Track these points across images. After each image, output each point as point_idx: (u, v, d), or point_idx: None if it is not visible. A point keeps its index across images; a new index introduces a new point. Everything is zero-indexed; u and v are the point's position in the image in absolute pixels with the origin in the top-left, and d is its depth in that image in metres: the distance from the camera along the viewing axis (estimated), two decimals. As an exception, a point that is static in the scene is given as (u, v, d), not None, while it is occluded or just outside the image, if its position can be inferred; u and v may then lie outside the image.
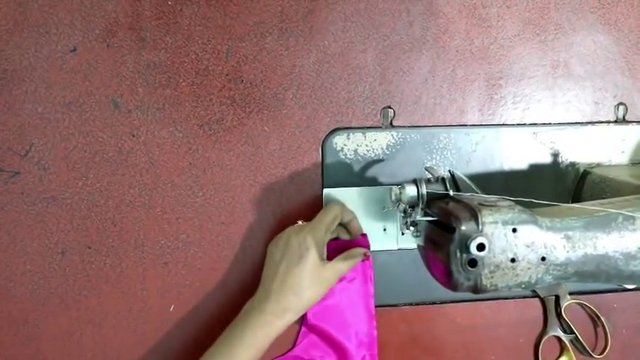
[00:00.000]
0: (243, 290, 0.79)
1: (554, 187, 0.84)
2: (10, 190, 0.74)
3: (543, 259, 0.57)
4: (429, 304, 0.83)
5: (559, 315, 0.84)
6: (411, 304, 0.82)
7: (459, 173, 0.72)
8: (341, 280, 0.76)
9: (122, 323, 0.78)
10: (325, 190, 0.79)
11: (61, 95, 0.74)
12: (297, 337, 0.79)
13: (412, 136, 0.81)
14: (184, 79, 0.76)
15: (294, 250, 0.70)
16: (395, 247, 0.81)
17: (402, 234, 0.74)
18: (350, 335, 0.78)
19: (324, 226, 0.72)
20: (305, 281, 0.69)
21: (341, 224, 0.77)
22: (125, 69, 0.75)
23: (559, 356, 0.86)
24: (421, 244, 0.69)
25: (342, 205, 0.76)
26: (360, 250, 0.76)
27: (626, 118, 0.85)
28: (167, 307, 0.78)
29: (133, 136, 0.76)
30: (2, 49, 0.73)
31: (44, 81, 0.74)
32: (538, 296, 0.84)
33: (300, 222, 0.75)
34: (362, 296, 0.78)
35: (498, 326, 0.85)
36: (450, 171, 0.74)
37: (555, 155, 0.84)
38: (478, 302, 0.84)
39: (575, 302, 0.84)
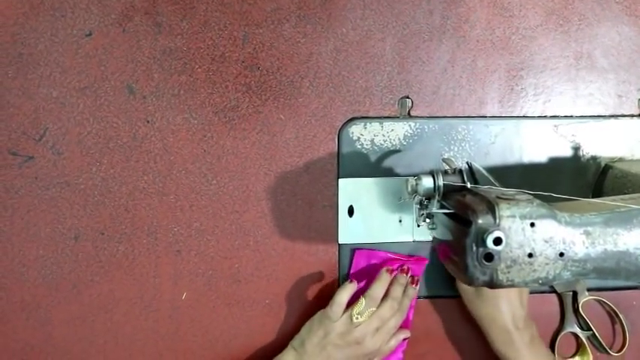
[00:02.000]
0: (256, 280, 0.79)
1: (575, 182, 0.82)
2: (24, 174, 0.74)
3: (562, 254, 0.56)
4: (445, 297, 0.82)
5: (576, 311, 0.83)
6: (426, 297, 0.82)
7: (477, 165, 0.71)
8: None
9: (134, 310, 0.77)
10: (340, 180, 0.78)
11: (76, 80, 0.74)
12: None
13: (430, 126, 0.80)
14: (200, 65, 0.76)
15: (353, 349, 0.74)
16: (410, 239, 0.80)
17: (418, 226, 0.73)
18: None
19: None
20: None
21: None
22: (141, 54, 0.75)
23: (575, 353, 0.84)
24: (437, 236, 0.68)
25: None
26: (398, 338, 0.78)
27: (650, 112, 0.84)
28: (179, 295, 0.78)
29: (148, 122, 0.75)
30: (18, 33, 0.73)
31: (59, 65, 0.74)
32: (555, 292, 0.83)
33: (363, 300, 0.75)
34: None
35: (514, 321, 0.83)
36: (467, 163, 0.73)
37: (576, 149, 0.82)
38: (494, 297, 0.83)
39: (593, 299, 0.83)
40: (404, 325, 0.79)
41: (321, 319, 0.75)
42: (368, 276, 0.78)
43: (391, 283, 0.77)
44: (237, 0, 0.75)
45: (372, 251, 0.80)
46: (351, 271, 0.80)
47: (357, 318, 0.73)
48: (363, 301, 0.74)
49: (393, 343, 0.77)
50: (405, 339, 0.79)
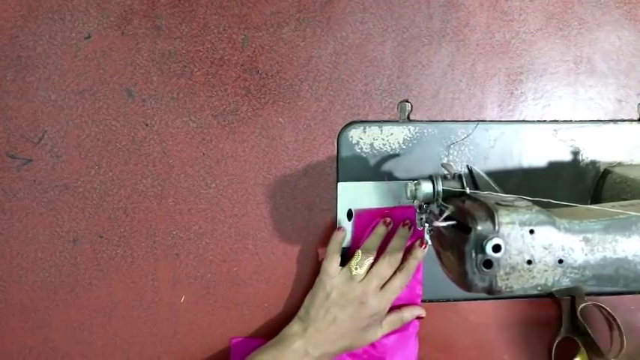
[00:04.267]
0: (254, 283, 0.79)
1: (574, 186, 0.82)
2: (22, 177, 0.74)
3: (561, 261, 0.56)
4: (443, 301, 0.82)
5: (574, 316, 0.83)
6: (423, 301, 0.81)
7: (478, 169, 0.71)
8: None
9: (132, 313, 0.77)
10: (340, 184, 0.78)
11: (75, 83, 0.74)
12: None
13: (429, 130, 0.79)
14: (199, 68, 0.75)
15: (357, 309, 0.73)
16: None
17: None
18: None
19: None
20: (357, 341, 0.75)
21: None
22: (139, 57, 0.75)
23: (573, 358, 0.84)
24: (435, 242, 0.67)
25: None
26: (412, 313, 0.79)
27: (649, 116, 0.84)
28: (178, 298, 0.78)
29: (147, 125, 0.75)
30: (16, 36, 0.73)
31: (58, 68, 0.73)
32: (553, 296, 0.83)
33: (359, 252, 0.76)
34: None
35: (512, 326, 0.83)
36: (468, 167, 0.73)
37: (576, 153, 0.82)
38: (492, 301, 0.83)
39: (591, 303, 0.83)
40: (412, 300, 0.80)
41: (320, 279, 0.75)
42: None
43: (392, 237, 0.77)
44: (236, 3, 0.75)
45: (371, 210, 0.79)
46: (354, 234, 0.79)
47: (356, 269, 0.73)
48: (358, 252, 0.75)
49: (407, 315, 0.78)
50: (419, 317, 0.80)
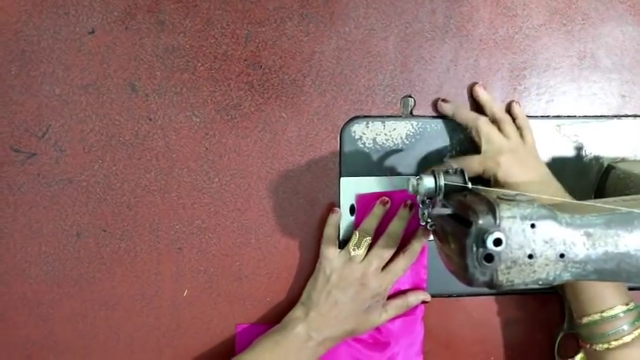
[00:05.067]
0: (257, 278, 0.79)
1: (577, 182, 0.82)
2: (26, 171, 0.74)
3: (562, 255, 0.56)
4: (446, 296, 0.82)
5: (578, 311, 0.82)
6: (426, 296, 0.82)
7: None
8: None
9: (135, 307, 0.78)
10: (342, 179, 0.78)
11: (79, 77, 0.74)
12: None
13: (432, 126, 0.79)
14: (202, 63, 0.76)
15: (357, 290, 0.73)
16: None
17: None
18: None
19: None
20: (361, 324, 0.75)
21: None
22: (143, 52, 0.75)
23: (576, 354, 0.84)
24: (437, 235, 0.67)
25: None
26: (418, 297, 0.79)
27: (653, 112, 0.83)
28: (180, 292, 0.78)
29: (150, 120, 0.75)
30: (21, 30, 0.73)
31: (62, 63, 0.74)
32: (557, 292, 0.83)
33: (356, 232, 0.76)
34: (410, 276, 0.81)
35: (515, 322, 0.83)
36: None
37: (579, 149, 0.82)
38: (495, 297, 0.83)
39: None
40: (418, 285, 0.80)
41: (320, 263, 0.76)
42: None
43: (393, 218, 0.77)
44: (239, -2, 0.76)
45: (373, 193, 0.79)
46: (357, 218, 0.79)
47: (354, 250, 0.73)
48: (356, 233, 0.75)
49: (413, 299, 0.78)
50: (425, 302, 0.80)
